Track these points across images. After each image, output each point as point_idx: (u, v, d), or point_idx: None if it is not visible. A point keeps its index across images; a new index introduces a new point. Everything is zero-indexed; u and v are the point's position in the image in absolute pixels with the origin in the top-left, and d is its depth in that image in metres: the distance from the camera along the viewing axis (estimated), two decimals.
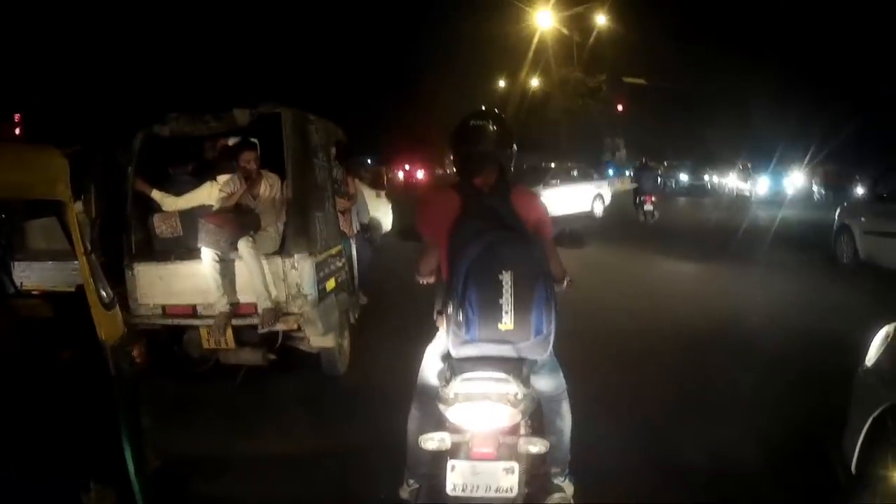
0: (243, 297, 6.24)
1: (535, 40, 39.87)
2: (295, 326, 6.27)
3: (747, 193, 36.18)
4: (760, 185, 36.21)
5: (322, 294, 6.33)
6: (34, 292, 5.08)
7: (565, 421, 3.76)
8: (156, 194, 6.57)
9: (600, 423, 4.85)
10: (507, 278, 3.11)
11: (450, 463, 3.28)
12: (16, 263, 6.49)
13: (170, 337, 6.56)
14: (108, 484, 3.64)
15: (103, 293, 3.60)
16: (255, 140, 6.68)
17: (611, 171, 43.98)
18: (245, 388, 6.46)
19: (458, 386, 3.29)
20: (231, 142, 6.77)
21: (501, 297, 3.11)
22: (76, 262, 3.60)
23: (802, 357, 6.83)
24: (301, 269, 6.18)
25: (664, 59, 43.93)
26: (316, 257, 6.28)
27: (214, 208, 6.35)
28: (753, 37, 43.13)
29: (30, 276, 6.62)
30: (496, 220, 3.34)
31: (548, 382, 3.67)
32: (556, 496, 3.70)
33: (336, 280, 6.86)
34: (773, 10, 42.09)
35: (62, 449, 3.36)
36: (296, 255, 6.19)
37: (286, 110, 6.43)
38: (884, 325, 3.97)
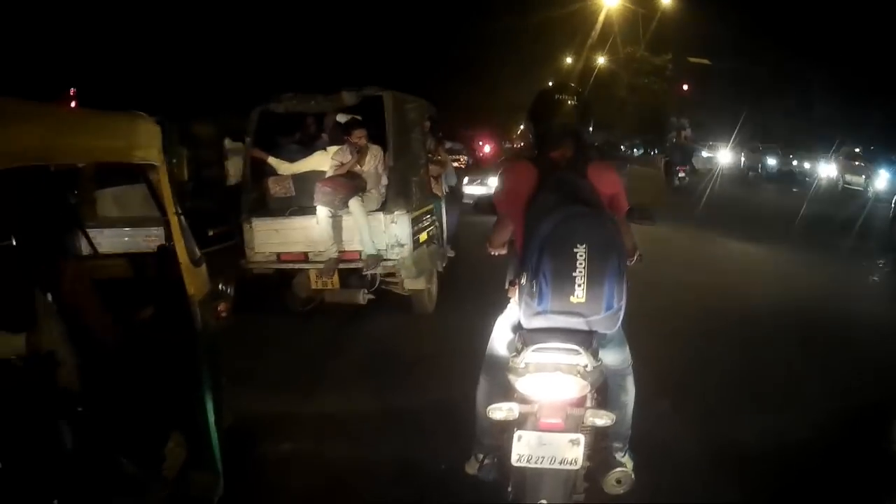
0: (349, 246, 7.88)
1: (602, 18, 40.84)
2: (392, 271, 7.89)
3: (859, 188, 28.81)
4: (879, 179, 27.31)
5: (416, 244, 7.96)
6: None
7: (629, 395, 3.93)
8: (272, 160, 8.28)
9: (658, 400, 5.15)
10: (581, 251, 3.22)
11: (517, 433, 3.41)
12: (86, 231, 7.33)
13: (280, 280, 8.21)
14: (182, 436, 3.98)
15: (194, 251, 3.92)
16: (359, 118, 8.24)
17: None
18: (343, 326, 8.05)
19: (529, 356, 3.42)
20: (341, 118, 8.37)
21: (575, 270, 3.23)
22: (150, 228, 4.29)
23: (857, 344, 7.13)
24: (400, 224, 7.82)
25: (732, 39, 44.30)
26: (412, 214, 7.92)
27: (327, 174, 7.97)
28: (829, 17, 42.91)
29: (101, 242, 6.99)
30: (573, 194, 3.47)
31: (615, 356, 3.82)
32: (618, 471, 3.83)
33: (428, 234, 8.51)
34: None
35: (143, 402, 3.66)
36: (395, 212, 7.84)
37: (387, 93, 8.06)
38: None
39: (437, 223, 9.09)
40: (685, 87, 51.62)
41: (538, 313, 3.33)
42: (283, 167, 8.28)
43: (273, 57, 28.20)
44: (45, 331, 3.33)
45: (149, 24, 24.98)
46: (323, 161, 8.16)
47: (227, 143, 10.99)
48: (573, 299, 3.24)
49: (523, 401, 3.49)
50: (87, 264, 4.58)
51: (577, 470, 3.43)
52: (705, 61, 46.64)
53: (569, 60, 53.95)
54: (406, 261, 7.82)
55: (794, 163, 41.69)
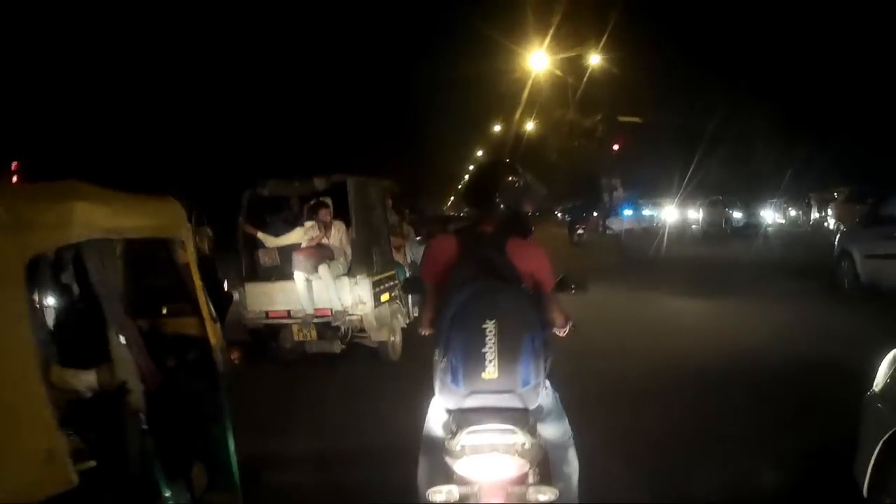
0: (321, 304, 9.86)
1: (530, 84, 42.03)
2: (358, 325, 9.91)
3: None
4: None
5: (377, 302, 9.94)
6: None
7: (572, 467, 3.94)
8: (260, 235, 10.37)
9: (608, 464, 5.26)
10: (491, 327, 3.29)
11: None
12: None
13: (269, 333, 10.28)
14: (202, 465, 4.61)
15: (212, 311, 4.65)
16: (328, 199, 10.40)
17: (628, 212, 44.33)
18: (322, 371, 9.90)
19: (464, 439, 3.40)
20: (312, 203, 10.50)
21: (485, 346, 3.29)
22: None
23: (811, 385, 7.36)
24: (361, 285, 9.85)
25: (660, 97, 46.03)
26: (373, 278, 9.95)
27: (302, 245, 10.07)
28: (751, 69, 45.15)
29: None
30: (488, 268, 3.57)
31: (554, 430, 3.85)
32: None
33: (390, 294, 10.48)
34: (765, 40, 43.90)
35: (176, 434, 4.23)
36: (358, 276, 9.88)
37: (350, 179, 10.20)
38: (891, 349, 4.23)
39: (399, 287, 10.90)
40: (616, 146, 52.73)
41: (454, 392, 3.42)
42: (269, 240, 10.33)
43: (212, 139, 30.15)
44: (118, 365, 3.89)
45: (99, 101, 26.74)
46: (301, 235, 10.21)
47: None
48: (485, 375, 3.31)
49: (463, 482, 3.50)
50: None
51: None
52: (636, 119, 47.81)
53: (498, 128, 55.56)
54: (369, 316, 9.78)
55: (761, 213, 41.15)
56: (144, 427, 3.86)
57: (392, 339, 10.45)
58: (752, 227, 38.86)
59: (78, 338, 4.07)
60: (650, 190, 49.44)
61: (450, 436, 3.47)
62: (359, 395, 8.62)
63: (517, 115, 49.18)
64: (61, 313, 4.56)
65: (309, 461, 6.29)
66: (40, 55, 25.63)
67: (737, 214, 42.07)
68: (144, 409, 3.91)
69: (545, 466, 3.93)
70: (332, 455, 6.42)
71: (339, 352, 10.12)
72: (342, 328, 9.96)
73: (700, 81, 45.32)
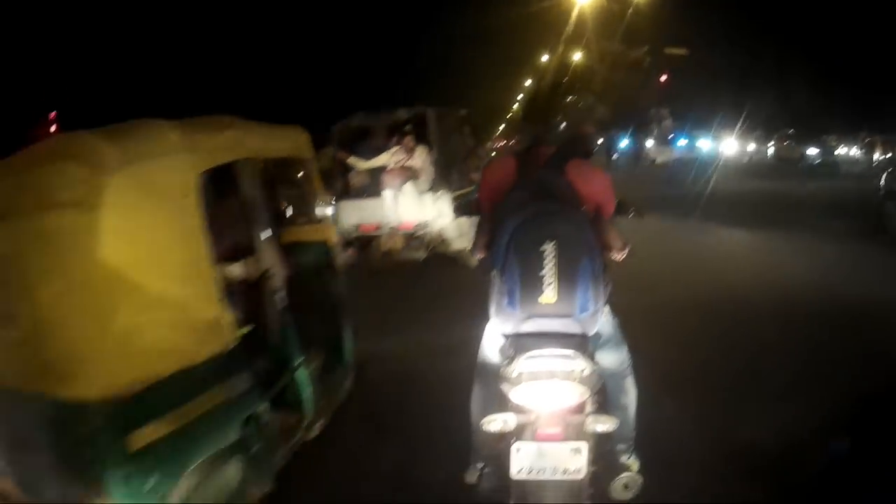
0: (407, 217, 11.49)
1: (575, 14, 42.23)
2: (438, 237, 11.51)
3: None
4: None
5: (457, 215, 11.44)
6: None
7: (630, 396, 3.86)
8: (352, 160, 11.98)
9: (663, 399, 5.16)
10: (550, 249, 3.23)
11: (515, 445, 3.32)
12: None
13: (361, 244, 11.91)
14: (319, 347, 5.17)
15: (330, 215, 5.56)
16: (411, 127, 11.98)
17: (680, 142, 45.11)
18: (408, 276, 11.43)
19: (522, 364, 3.31)
20: (397, 130, 12.11)
21: (543, 269, 3.23)
22: None
23: (863, 328, 7.22)
24: (442, 200, 11.44)
25: (708, 29, 46.71)
26: (452, 194, 11.54)
27: (389, 167, 11.66)
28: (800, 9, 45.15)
29: None
30: (547, 191, 3.51)
31: (612, 358, 3.78)
32: (625, 476, 3.72)
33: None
34: None
35: (302, 320, 4.70)
36: (439, 192, 11.47)
37: (430, 110, 11.80)
38: None
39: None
40: (662, 78, 53.53)
41: (511, 316, 3.36)
42: (360, 164, 11.94)
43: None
44: (262, 255, 4.60)
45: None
46: (388, 159, 11.76)
47: None
48: (542, 300, 3.26)
49: (519, 410, 3.41)
50: None
51: (581, 479, 3.34)
52: (682, 52, 48.24)
53: (544, 59, 55.97)
54: (448, 227, 11.36)
55: (840, 151, 38.53)
56: (283, 305, 4.54)
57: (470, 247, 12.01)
58: (827, 166, 36.25)
59: (226, 238, 4.57)
60: (699, 123, 49.85)
61: (506, 361, 3.39)
62: (443, 296, 9.78)
63: (562, 47, 49.63)
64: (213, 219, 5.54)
65: (407, 352, 7.12)
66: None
67: (811, 151, 40.50)
68: (284, 291, 4.61)
69: (602, 395, 3.88)
70: (425, 347, 7.19)
71: (423, 259, 11.68)
72: (425, 238, 11.56)
73: (748, 19, 45.21)
